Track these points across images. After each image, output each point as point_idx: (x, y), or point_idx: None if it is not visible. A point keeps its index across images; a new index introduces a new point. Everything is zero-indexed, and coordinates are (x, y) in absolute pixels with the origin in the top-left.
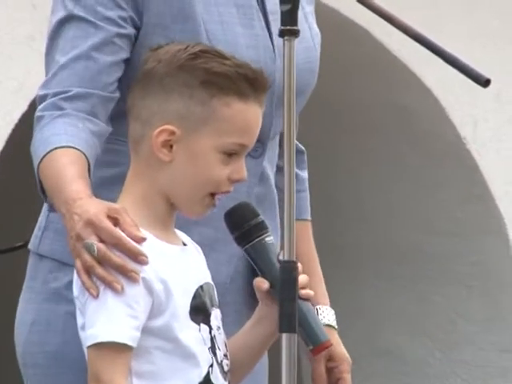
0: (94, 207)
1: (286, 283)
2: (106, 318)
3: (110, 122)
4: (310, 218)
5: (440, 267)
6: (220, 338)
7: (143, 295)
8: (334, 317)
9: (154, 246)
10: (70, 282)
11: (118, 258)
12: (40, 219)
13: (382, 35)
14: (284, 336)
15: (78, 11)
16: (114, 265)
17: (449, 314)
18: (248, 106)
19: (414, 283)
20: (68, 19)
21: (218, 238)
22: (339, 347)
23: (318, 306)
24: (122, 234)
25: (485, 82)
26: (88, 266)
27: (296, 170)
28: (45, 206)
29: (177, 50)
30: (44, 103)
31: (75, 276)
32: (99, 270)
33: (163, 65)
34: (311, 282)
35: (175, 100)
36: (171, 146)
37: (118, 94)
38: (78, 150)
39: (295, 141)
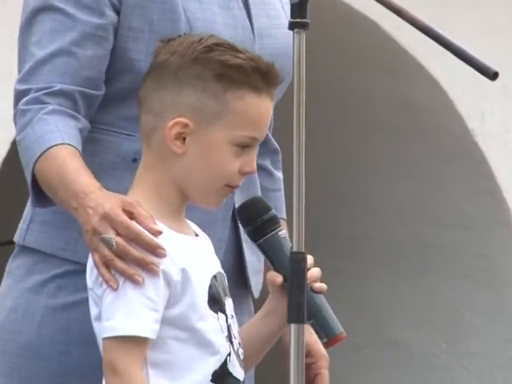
0: (107, 200)
1: (294, 274)
2: (126, 312)
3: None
4: (285, 217)
5: (447, 260)
6: (235, 326)
7: (162, 288)
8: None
9: (168, 236)
10: (55, 276)
11: (136, 251)
12: (25, 212)
13: (390, 28)
14: (292, 326)
15: (56, 1)
16: (134, 258)
17: (455, 306)
18: (261, 99)
19: (421, 276)
20: (44, 9)
21: (209, 222)
22: (317, 344)
23: None
24: (140, 228)
25: (493, 75)
26: (107, 260)
27: (272, 169)
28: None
29: (191, 42)
30: (27, 98)
31: (89, 267)
32: (120, 264)
33: (177, 57)
34: None
35: (188, 93)
36: (184, 139)
37: (102, 91)
38: (72, 145)
39: (272, 139)
